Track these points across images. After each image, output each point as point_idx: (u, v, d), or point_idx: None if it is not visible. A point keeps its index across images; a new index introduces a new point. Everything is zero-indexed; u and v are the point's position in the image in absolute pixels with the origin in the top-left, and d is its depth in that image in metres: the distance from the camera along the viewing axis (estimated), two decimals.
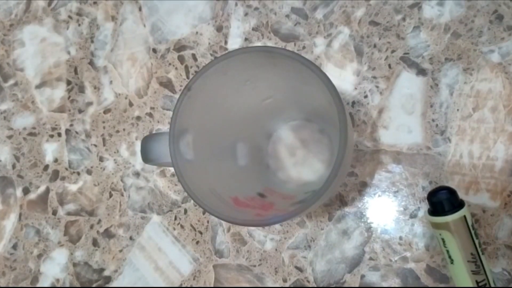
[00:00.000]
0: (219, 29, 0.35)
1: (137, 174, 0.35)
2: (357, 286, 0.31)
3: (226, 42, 0.35)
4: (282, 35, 0.34)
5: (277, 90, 0.28)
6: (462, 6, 0.32)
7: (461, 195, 0.30)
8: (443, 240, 0.19)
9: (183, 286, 0.33)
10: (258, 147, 0.32)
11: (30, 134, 0.37)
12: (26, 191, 0.36)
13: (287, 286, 0.32)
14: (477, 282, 0.20)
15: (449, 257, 0.20)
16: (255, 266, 0.32)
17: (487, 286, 0.20)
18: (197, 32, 0.35)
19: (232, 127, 0.28)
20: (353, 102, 0.32)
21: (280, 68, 0.24)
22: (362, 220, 0.31)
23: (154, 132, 0.35)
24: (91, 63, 0.37)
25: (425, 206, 0.30)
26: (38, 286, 0.35)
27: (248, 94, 0.27)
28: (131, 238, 0.34)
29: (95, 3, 0.37)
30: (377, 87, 0.32)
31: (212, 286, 0.33)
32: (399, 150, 0.31)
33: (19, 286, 0.35)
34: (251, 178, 0.30)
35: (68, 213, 0.35)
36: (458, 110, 0.31)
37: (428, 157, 0.31)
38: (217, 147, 0.27)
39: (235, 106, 0.27)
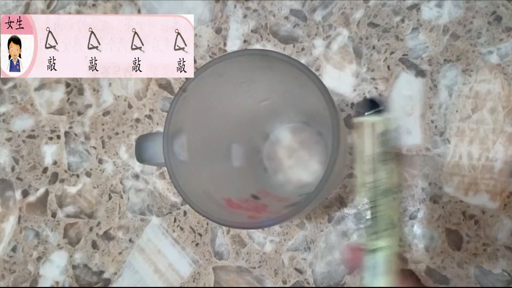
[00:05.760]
0: (218, 31, 0.35)
1: (136, 176, 0.35)
2: (357, 287, 0.31)
3: (225, 44, 0.35)
4: (281, 37, 0.34)
5: (274, 92, 0.28)
6: (461, 8, 0.32)
7: (460, 196, 0.30)
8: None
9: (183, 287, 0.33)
10: (255, 148, 0.32)
11: (29, 136, 0.37)
12: (25, 193, 0.36)
13: (287, 287, 0.32)
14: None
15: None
16: (254, 268, 0.32)
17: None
18: (196, 34, 0.35)
19: (227, 128, 0.28)
20: (352, 104, 0.32)
21: (277, 71, 0.24)
22: (362, 221, 0.31)
23: None
24: None
25: (424, 208, 0.30)
26: None
27: (244, 96, 0.27)
28: (130, 240, 0.34)
29: (94, 5, 0.37)
30: (376, 88, 0.32)
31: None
32: (398, 151, 0.31)
33: None
34: (246, 179, 0.30)
35: (68, 216, 0.35)
36: (457, 111, 0.31)
37: (427, 158, 0.31)
38: (211, 148, 0.27)
39: (230, 107, 0.27)
